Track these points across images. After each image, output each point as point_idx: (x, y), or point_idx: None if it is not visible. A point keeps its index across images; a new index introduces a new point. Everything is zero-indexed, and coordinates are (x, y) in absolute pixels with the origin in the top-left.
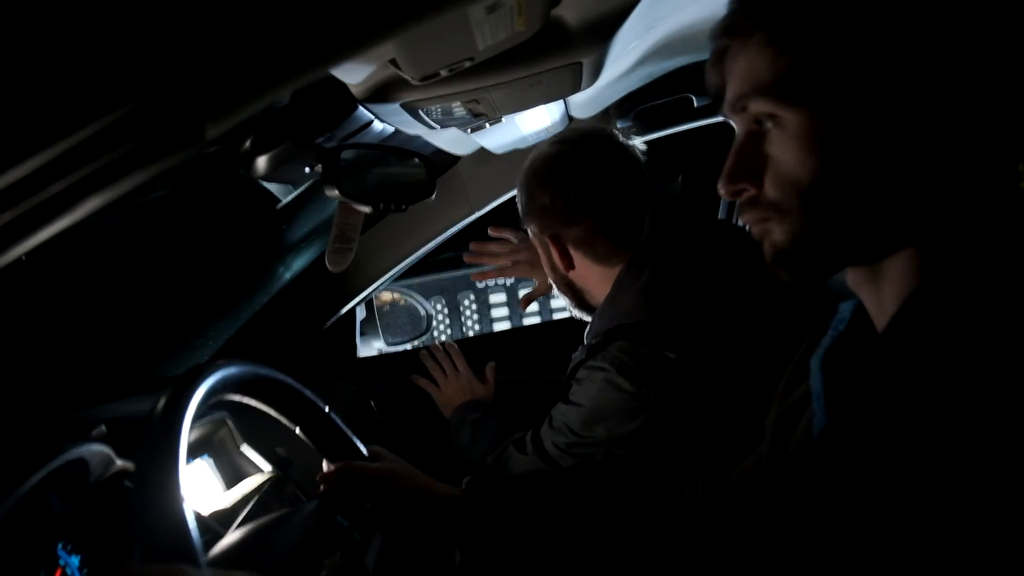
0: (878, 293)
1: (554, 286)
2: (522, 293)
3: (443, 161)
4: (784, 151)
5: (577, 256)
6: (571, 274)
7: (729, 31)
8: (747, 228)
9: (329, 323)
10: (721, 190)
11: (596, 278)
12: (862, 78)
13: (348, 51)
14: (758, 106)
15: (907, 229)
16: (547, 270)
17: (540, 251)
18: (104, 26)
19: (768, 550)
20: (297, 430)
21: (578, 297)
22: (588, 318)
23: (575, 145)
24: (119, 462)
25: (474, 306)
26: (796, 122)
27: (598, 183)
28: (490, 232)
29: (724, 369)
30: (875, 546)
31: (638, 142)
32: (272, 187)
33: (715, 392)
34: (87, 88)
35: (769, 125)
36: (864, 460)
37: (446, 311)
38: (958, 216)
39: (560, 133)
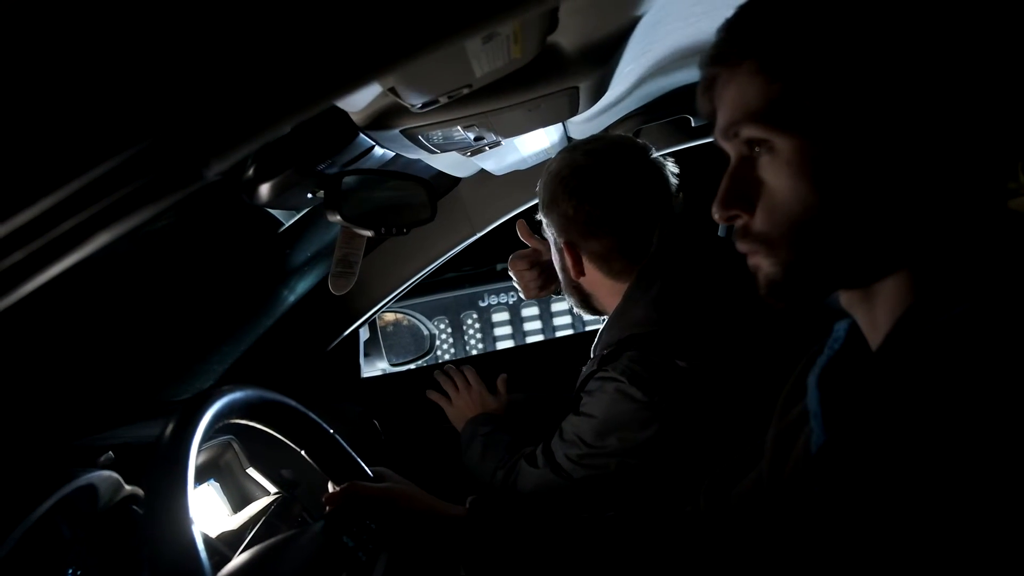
0: (871, 313)
1: (562, 285)
2: (525, 312)
3: (444, 183)
4: (776, 176)
5: (590, 268)
6: (581, 280)
7: (718, 59)
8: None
9: (333, 345)
10: (715, 215)
11: (606, 289)
12: (852, 103)
13: (348, 87)
14: (749, 132)
15: (899, 251)
16: (557, 269)
17: (552, 250)
18: (107, 69)
19: (768, 568)
20: (303, 453)
21: (585, 300)
22: (590, 316)
23: (605, 159)
24: (127, 488)
25: (477, 325)
26: (788, 148)
27: (623, 202)
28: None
29: (734, 378)
30: (873, 563)
31: (669, 160)
32: (275, 211)
33: (725, 401)
34: (95, 133)
35: (761, 151)
36: (861, 477)
37: (449, 330)
38: (949, 236)
39: (591, 141)
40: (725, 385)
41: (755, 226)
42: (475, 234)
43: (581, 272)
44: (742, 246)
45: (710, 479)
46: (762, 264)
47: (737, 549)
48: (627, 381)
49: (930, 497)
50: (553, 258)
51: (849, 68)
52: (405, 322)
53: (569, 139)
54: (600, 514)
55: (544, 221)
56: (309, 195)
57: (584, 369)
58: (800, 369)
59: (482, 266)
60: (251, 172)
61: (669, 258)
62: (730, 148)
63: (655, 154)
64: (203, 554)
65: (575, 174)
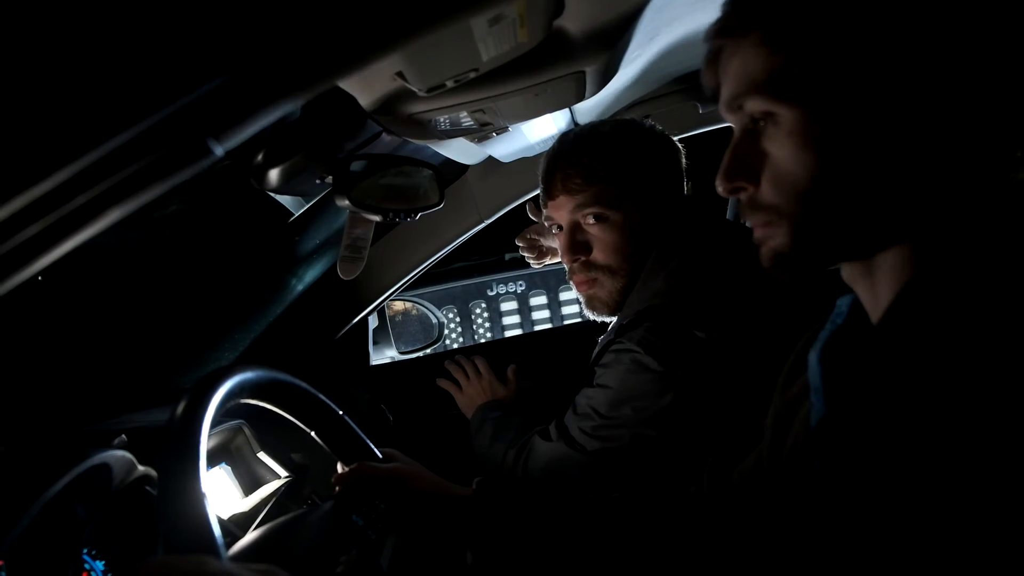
0: (873, 287)
1: (571, 272)
2: (533, 301)
3: (452, 170)
4: (780, 148)
5: (612, 238)
6: (598, 257)
7: (723, 31)
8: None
9: (342, 332)
10: (719, 187)
11: (623, 262)
12: (855, 74)
13: (355, 64)
14: (754, 104)
15: (902, 223)
16: (567, 254)
17: (563, 233)
18: (117, 47)
19: (771, 545)
20: (312, 434)
21: (595, 285)
22: (595, 316)
23: (622, 129)
24: (140, 468)
25: (485, 314)
26: (791, 119)
27: (645, 169)
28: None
29: (751, 352)
30: (875, 535)
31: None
32: (284, 200)
33: (742, 373)
34: (106, 107)
35: (764, 123)
36: (861, 450)
37: (458, 319)
38: (951, 208)
39: (603, 121)
40: (741, 358)
41: (760, 198)
42: (483, 222)
43: (603, 247)
44: (750, 218)
45: (714, 459)
46: (768, 235)
47: (739, 528)
48: (643, 351)
49: (927, 469)
50: (563, 244)
51: (853, 39)
52: (414, 311)
53: (576, 125)
54: (609, 491)
55: (560, 199)
56: (318, 180)
57: (600, 340)
58: (801, 345)
59: (490, 255)
60: (260, 158)
61: (689, 232)
62: (734, 121)
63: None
64: (216, 526)
65: (596, 143)
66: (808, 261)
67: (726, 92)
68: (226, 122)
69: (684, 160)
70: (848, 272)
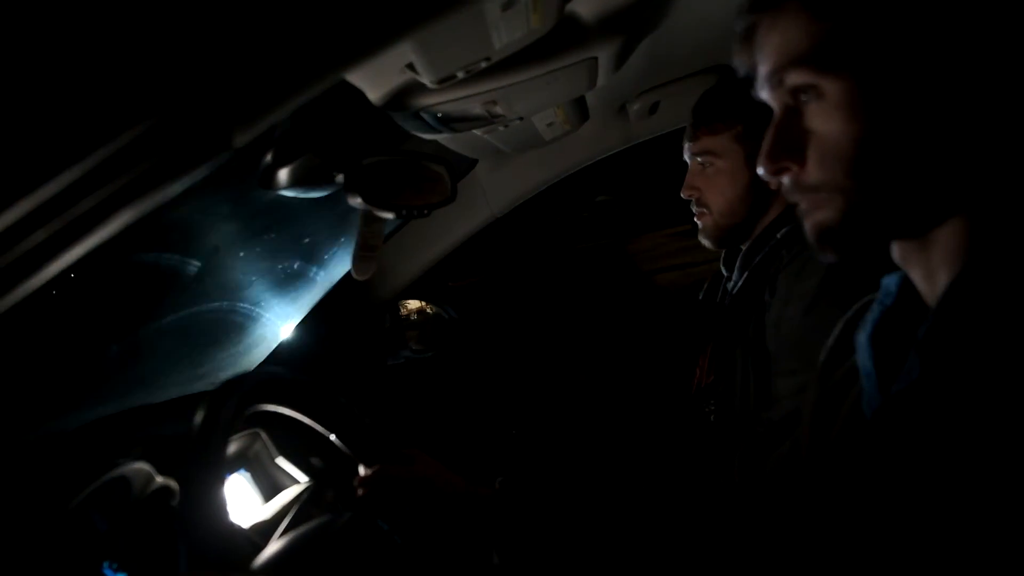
0: (928, 265)
1: (726, 204)
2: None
3: (462, 165)
4: (826, 123)
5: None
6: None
7: (758, 5)
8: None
9: (357, 333)
10: (762, 170)
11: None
12: (905, 40)
13: (367, 52)
14: (796, 78)
15: (958, 197)
16: (727, 185)
17: (724, 164)
18: (127, 39)
19: (811, 534)
20: (332, 437)
21: (743, 206)
22: (713, 245)
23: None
24: (159, 479)
25: None
26: (837, 91)
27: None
28: None
29: None
30: (939, 527)
31: None
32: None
33: None
34: (112, 102)
35: (807, 97)
36: (928, 444)
37: None
38: (1009, 180)
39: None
40: None
41: (807, 177)
42: (494, 216)
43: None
44: (794, 199)
45: (743, 449)
46: (816, 214)
47: (777, 516)
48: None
49: (1002, 462)
50: (721, 179)
51: (900, 3)
52: (428, 310)
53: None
54: (631, 491)
55: (717, 137)
56: (329, 180)
57: (737, 273)
58: (841, 329)
59: None
60: (269, 158)
61: None
62: (773, 99)
63: None
64: (241, 536)
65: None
66: (859, 236)
67: (764, 68)
68: (240, 115)
69: None
70: (900, 251)
